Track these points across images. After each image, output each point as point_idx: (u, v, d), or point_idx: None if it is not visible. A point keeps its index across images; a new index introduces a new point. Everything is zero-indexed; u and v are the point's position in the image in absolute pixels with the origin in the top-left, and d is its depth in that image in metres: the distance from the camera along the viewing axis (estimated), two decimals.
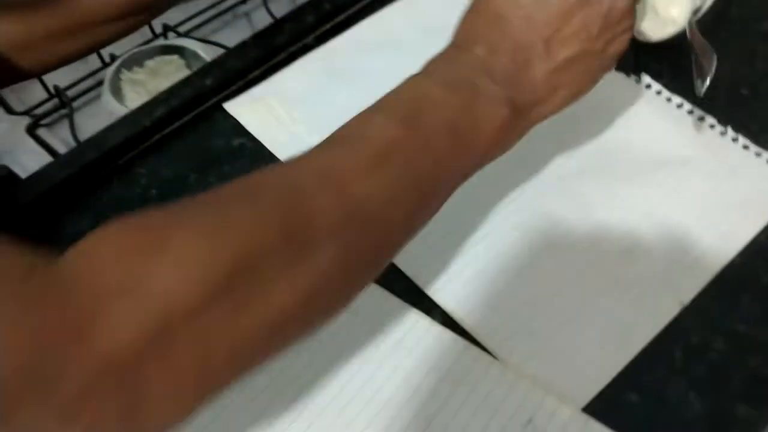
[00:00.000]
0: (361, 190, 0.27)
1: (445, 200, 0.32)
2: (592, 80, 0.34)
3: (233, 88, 0.51)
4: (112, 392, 0.20)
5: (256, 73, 0.52)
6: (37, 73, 0.52)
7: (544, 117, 0.34)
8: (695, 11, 0.46)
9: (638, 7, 0.49)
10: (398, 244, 0.30)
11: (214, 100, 0.50)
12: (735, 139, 0.44)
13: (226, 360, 0.23)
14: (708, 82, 0.42)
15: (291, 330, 0.25)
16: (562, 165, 0.44)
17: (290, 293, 0.23)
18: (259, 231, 0.24)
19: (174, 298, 0.21)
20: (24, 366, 0.19)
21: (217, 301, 0.22)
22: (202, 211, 0.24)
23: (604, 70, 0.34)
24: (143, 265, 0.21)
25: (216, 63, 0.52)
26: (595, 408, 0.34)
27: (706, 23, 0.46)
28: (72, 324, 0.20)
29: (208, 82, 0.50)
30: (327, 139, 0.29)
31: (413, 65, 0.50)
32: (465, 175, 0.32)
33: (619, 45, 0.34)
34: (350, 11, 0.55)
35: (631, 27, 0.34)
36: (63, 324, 0.20)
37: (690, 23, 0.44)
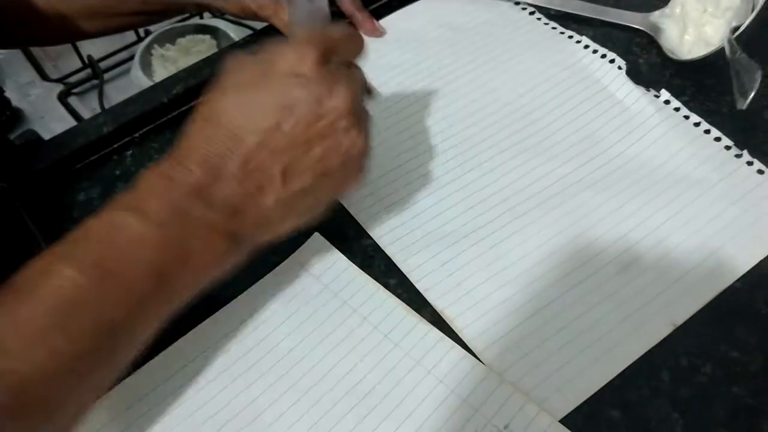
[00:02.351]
0: (25, 366, 0.25)
1: (149, 334, 0.30)
2: (325, 205, 0.34)
3: None
4: None
5: None
6: (94, 36, 0.58)
7: (272, 238, 0.32)
8: (734, 29, 0.45)
9: (670, 24, 0.49)
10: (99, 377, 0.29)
11: None
12: (750, 163, 0.43)
13: None
14: (751, 96, 0.42)
15: None
16: (568, 175, 0.43)
17: None
18: None
19: None
20: None
21: None
22: None
23: (338, 195, 0.34)
24: None
25: (238, 46, 0.53)
26: (575, 421, 0.34)
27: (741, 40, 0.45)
28: None
29: None
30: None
31: (433, 61, 0.51)
32: (175, 308, 0.30)
33: (354, 178, 0.33)
34: (374, 5, 0.56)
35: (365, 165, 0.33)
36: None
37: (730, 41, 0.44)
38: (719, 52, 0.46)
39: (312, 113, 0.30)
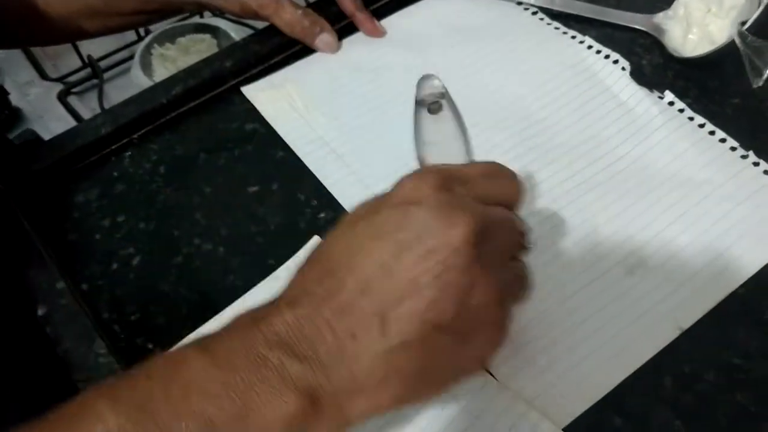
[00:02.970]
0: None
1: None
2: (438, 381, 0.27)
3: (252, 72, 0.51)
4: None
5: (277, 59, 0.52)
6: (94, 36, 0.57)
7: (362, 416, 0.26)
8: (742, 24, 0.45)
9: (673, 25, 0.48)
10: None
11: (232, 82, 0.51)
12: (756, 164, 0.42)
13: None
14: (766, 74, 0.42)
15: None
16: (572, 177, 0.43)
17: None
18: None
19: None
20: None
21: None
22: None
23: (461, 371, 0.27)
24: None
25: (238, 46, 0.53)
26: (578, 428, 0.33)
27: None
28: None
29: (228, 64, 0.51)
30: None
31: (434, 62, 0.50)
32: None
33: (489, 344, 0.27)
34: (375, 5, 0.55)
35: (503, 325, 0.27)
36: None
37: (740, 32, 0.44)
38: (724, 51, 0.45)
39: (419, 247, 0.25)
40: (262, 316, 0.25)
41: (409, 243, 0.25)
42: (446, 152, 0.33)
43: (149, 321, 0.39)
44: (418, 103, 0.32)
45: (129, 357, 0.37)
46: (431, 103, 0.32)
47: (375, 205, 0.27)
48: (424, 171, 0.27)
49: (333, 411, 0.25)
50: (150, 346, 0.38)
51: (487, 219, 0.26)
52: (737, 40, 0.44)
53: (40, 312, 0.37)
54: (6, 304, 0.39)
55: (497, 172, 0.29)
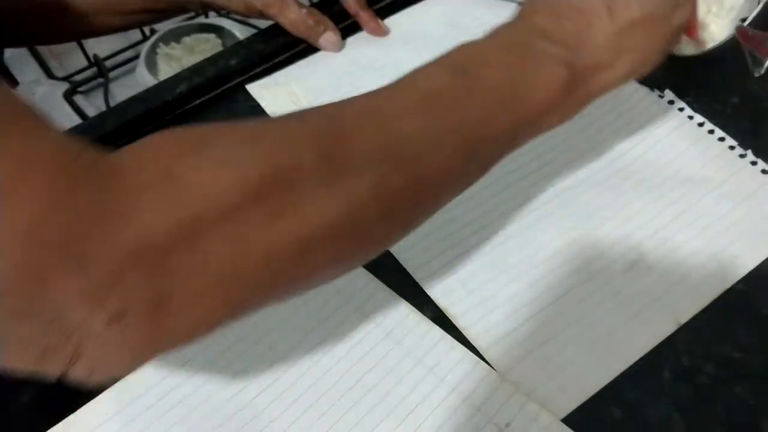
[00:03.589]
0: (403, 127, 0.27)
1: (493, 162, 0.32)
2: (658, 49, 0.34)
3: (257, 70, 0.52)
4: (141, 279, 0.20)
5: (281, 58, 0.53)
6: (100, 34, 0.58)
7: (607, 86, 0.33)
8: (743, 19, 0.45)
9: None
10: (439, 191, 0.30)
11: (238, 80, 0.51)
12: (754, 163, 0.43)
13: (255, 268, 0.22)
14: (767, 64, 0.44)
15: (321, 256, 0.25)
16: (574, 174, 0.43)
17: (323, 213, 0.24)
18: (297, 146, 0.24)
19: (208, 195, 0.21)
20: (58, 241, 0.19)
21: (251, 206, 0.22)
22: (245, 125, 0.25)
23: (670, 40, 0.34)
24: (182, 163, 0.22)
25: (243, 45, 0.53)
26: (576, 420, 0.34)
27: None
28: (108, 207, 0.20)
29: (233, 62, 0.51)
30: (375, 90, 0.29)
31: None
32: (515, 137, 0.31)
33: (683, 12, 0.34)
34: (379, 5, 0.56)
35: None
36: (100, 206, 0.20)
37: (739, 28, 0.44)
38: (724, 49, 0.46)
39: None
40: (517, 21, 0.33)
41: None
42: None
43: None
44: None
45: None
46: None
47: None
48: None
49: (584, 82, 0.32)
50: None
51: None
52: (739, 38, 0.44)
53: None
54: None
55: None
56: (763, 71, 0.43)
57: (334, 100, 0.49)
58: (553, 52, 0.30)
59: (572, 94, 0.31)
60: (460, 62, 0.30)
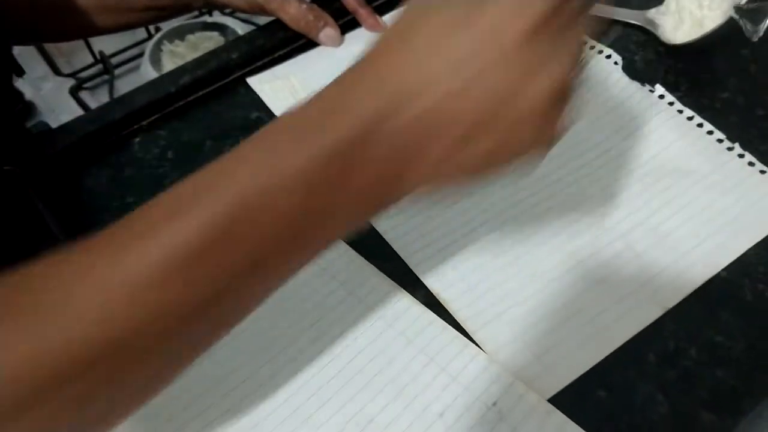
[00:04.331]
0: (140, 312, 0.23)
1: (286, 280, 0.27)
2: (501, 169, 0.28)
3: (258, 64, 0.53)
4: None
5: (282, 52, 0.54)
6: (106, 32, 0.59)
7: (430, 191, 0.28)
8: (736, 6, 0.47)
9: (666, 20, 0.50)
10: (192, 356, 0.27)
11: (239, 74, 0.53)
12: (741, 155, 0.44)
13: None
14: (764, 27, 0.45)
15: None
16: (563, 165, 0.44)
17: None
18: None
19: None
20: None
21: None
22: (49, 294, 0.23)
23: (519, 158, 0.28)
24: None
25: (244, 39, 0.54)
26: (563, 400, 0.35)
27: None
28: None
29: (235, 56, 0.52)
30: (122, 222, 0.25)
31: None
32: (328, 244, 0.27)
33: (547, 137, 0.27)
34: (379, 1, 0.57)
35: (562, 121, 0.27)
36: None
37: (735, 7, 0.46)
38: (714, 39, 0.47)
39: (513, 84, 0.25)
40: (351, 92, 0.25)
41: (499, 77, 0.25)
42: None
43: None
44: None
45: None
46: None
47: (470, 12, 0.25)
48: None
49: (408, 187, 0.27)
50: None
51: (581, 44, 0.26)
52: (733, 14, 0.46)
53: None
54: None
55: None
56: (760, 35, 0.44)
57: None
58: (377, 159, 0.25)
59: (392, 190, 0.27)
60: (227, 211, 0.24)
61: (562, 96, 0.26)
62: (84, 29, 0.59)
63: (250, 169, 0.25)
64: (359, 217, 0.27)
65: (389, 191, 0.27)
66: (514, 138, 0.26)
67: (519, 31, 0.24)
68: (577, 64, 0.26)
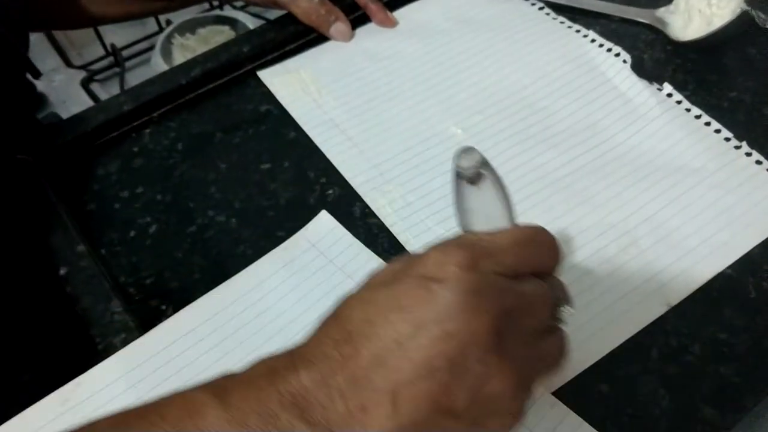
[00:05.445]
0: None
1: None
2: None
3: (268, 57, 0.54)
4: None
5: (292, 46, 0.55)
6: (116, 21, 0.60)
7: None
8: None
9: (675, 19, 0.50)
10: None
11: (249, 67, 0.53)
12: (749, 154, 0.44)
13: None
14: None
15: None
16: (571, 162, 0.45)
17: None
18: None
19: None
20: None
21: None
22: None
23: None
24: None
25: (255, 33, 0.55)
26: (566, 394, 0.35)
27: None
28: None
29: (246, 49, 0.53)
30: None
31: (442, 52, 0.52)
32: None
33: (498, 425, 0.26)
34: None
35: (518, 410, 0.26)
36: None
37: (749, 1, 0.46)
38: (723, 38, 0.47)
39: (437, 329, 0.24)
40: (280, 372, 0.25)
41: (427, 323, 0.24)
42: (488, 219, 0.31)
43: (163, 284, 0.41)
44: (459, 174, 0.31)
45: (143, 316, 0.39)
46: (471, 174, 0.31)
47: (399, 273, 0.26)
48: (452, 245, 0.26)
49: None
50: (163, 307, 0.40)
51: (514, 301, 0.26)
52: (744, 5, 0.46)
53: (61, 272, 0.40)
54: (31, 264, 0.41)
55: (532, 238, 0.28)
56: None
57: (341, 87, 0.51)
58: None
59: None
60: None
61: (502, 343, 0.25)
62: (95, 17, 0.59)
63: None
64: None
65: None
66: (452, 398, 0.24)
67: (445, 271, 0.25)
68: (506, 312, 0.25)
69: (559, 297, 0.29)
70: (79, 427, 0.26)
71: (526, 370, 0.26)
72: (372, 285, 0.27)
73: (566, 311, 0.29)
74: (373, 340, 0.24)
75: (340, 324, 0.26)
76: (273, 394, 0.24)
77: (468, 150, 0.31)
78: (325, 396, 0.24)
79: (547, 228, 0.40)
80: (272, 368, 0.26)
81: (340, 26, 0.54)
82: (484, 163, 0.31)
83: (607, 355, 0.36)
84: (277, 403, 0.24)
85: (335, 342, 0.25)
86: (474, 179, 0.30)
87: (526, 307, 0.26)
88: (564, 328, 0.29)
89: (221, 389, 0.25)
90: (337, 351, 0.25)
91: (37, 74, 0.53)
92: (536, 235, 0.28)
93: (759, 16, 0.45)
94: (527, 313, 0.26)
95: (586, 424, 0.34)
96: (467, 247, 0.26)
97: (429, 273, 0.25)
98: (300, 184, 0.45)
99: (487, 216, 0.31)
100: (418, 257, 0.26)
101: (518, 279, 0.27)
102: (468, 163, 0.31)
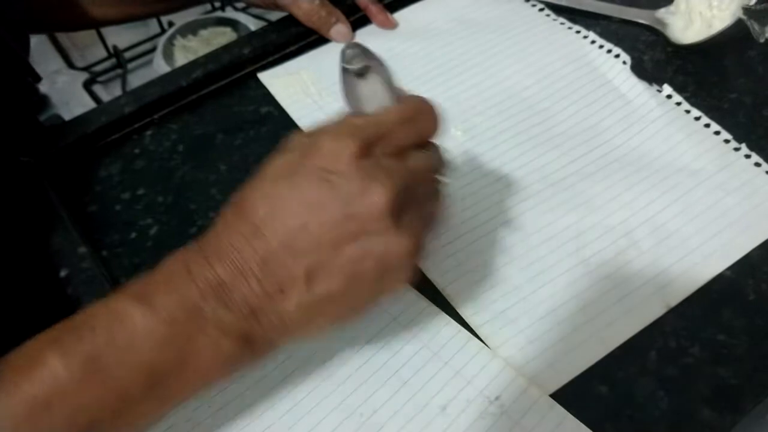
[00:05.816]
0: None
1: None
2: (357, 311, 0.30)
3: (269, 59, 0.54)
4: None
5: (293, 48, 0.55)
6: (118, 23, 0.60)
7: (289, 342, 0.30)
8: (744, 7, 0.47)
9: (676, 20, 0.50)
10: None
11: (250, 69, 0.53)
12: (748, 156, 0.44)
13: None
14: None
15: None
16: (571, 163, 0.45)
17: None
18: None
19: None
20: None
21: None
22: None
23: (376, 300, 0.30)
24: None
25: (255, 35, 0.55)
26: (564, 395, 0.35)
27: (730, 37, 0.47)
28: None
29: (246, 51, 0.53)
30: None
31: (443, 53, 0.53)
32: (169, 410, 0.29)
33: (395, 283, 0.29)
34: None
35: (409, 269, 0.29)
36: None
37: (744, 8, 0.46)
38: (723, 40, 0.47)
39: (340, 214, 0.27)
40: (195, 268, 0.27)
41: (330, 208, 0.27)
42: (376, 103, 0.32)
43: None
44: (345, 70, 0.32)
45: None
46: (358, 70, 0.32)
47: (296, 165, 0.28)
48: (343, 132, 0.28)
49: (265, 346, 0.29)
50: None
51: (405, 178, 0.28)
52: (741, 15, 0.46)
53: (62, 273, 0.40)
54: (33, 265, 0.41)
55: (415, 111, 0.30)
56: (765, 37, 0.44)
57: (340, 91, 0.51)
58: (225, 323, 0.27)
59: (243, 357, 0.28)
60: (95, 345, 0.26)
61: (396, 216, 0.27)
62: (96, 19, 0.59)
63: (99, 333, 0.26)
64: (217, 372, 0.28)
65: (245, 346, 0.28)
66: (358, 267, 0.28)
67: (342, 163, 0.27)
68: (399, 189, 0.27)
69: (439, 162, 0.32)
70: (16, 350, 0.27)
71: (419, 234, 0.29)
72: (272, 177, 0.28)
73: (444, 176, 0.32)
74: (281, 229, 0.27)
75: (245, 218, 0.28)
76: (193, 289, 0.27)
77: (353, 46, 0.32)
78: (243, 284, 0.27)
79: (546, 230, 0.41)
80: (186, 265, 0.28)
81: (340, 28, 0.54)
82: (370, 57, 0.32)
83: (606, 356, 0.36)
84: (199, 296, 0.27)
85: (243, 235, 0.27)
86: (361, 73, 0.32)
87: (415, 180, 0.29)
88: (443, 188, 0.32)
89: (142, 293, 0.27)
90: (247, 243, 0.27)
91: (38, 78, 0.53)
92: (418, 108, 0.30)
93: (754, 28, 0.45)
94: (416, 184, 0.29)
95: (583, 427, 0.34)
96: (357, 134, 0.28)
97: (327, 165, 0.27)
98: None
99: (374, 101, 0.32)
100: (312, 146, 0.28)
101: (405, 155, 0.29)
102: (355, 62, 0.31)
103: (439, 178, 0.32)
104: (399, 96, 0.32)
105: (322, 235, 0.27)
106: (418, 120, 0.30)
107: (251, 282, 0.27)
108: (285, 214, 0.27)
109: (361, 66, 0.31)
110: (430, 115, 0.31)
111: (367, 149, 0.28)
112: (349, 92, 0.32)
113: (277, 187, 0.28)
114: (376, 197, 0.27)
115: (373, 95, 0.31)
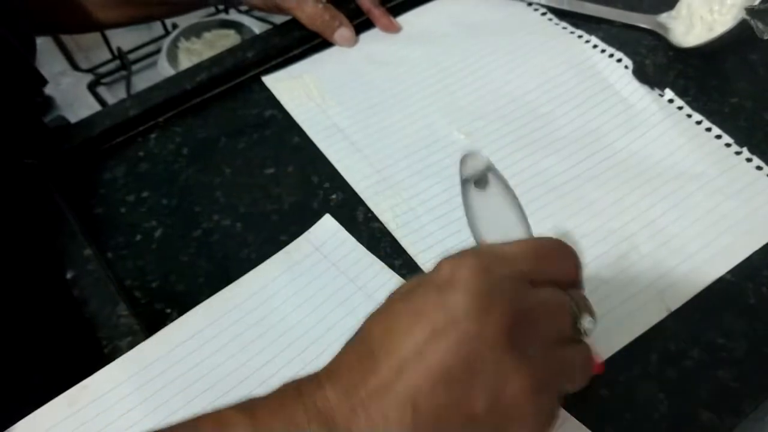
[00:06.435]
0: None
1: None
2: None
3: (273, 63, 0.54)
4: None
5: (297, 51, 0.55)
6: (121, 25, 0.61)
7: None
8: (749, 7, 0.47)
9: (677, 25, 0.51)
10: None
11: (254, 72, 0.54)
12: (749, 160, 0.44)
13: None
14: None
15: None
16: (573, 167, 0.45)
17: None
18: None
19: None
20: None
21: None
22: None
23: None
24: None
25: (259, 38, 0.55)
26: (565, 397, 0.35)
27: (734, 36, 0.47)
28: None
29: (250, 54, 0.53)
30: None
31: (445, 57, 0.53)
32: None
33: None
34: (392, 3, 0.58)
35: (550, 411, 0.26)
36: None
37: (747, 9, 0.46)
38: (725, 43, 0.48)
39: (453, 334, 0.24)
40: (305, 388, 0.26)
41: (443, 328, 0.24)
42: (500, 226, 0.31)
43: (169, 288, 0.41)
44: (465, 180, 0.31)
45: (148, 320, 0.39)
46: (477, 178, 0.31)
47: (414, 285, 0.27)
48: (464, 253, 0.26)
49: None
50: (168, 310, 0.40)
51: (530, 303, 0.26)
52: (744, 13, 0.46)
53: (68, 276, 0.40)
54: (38, 267, 0.42)
55: (549, 248, 0.28)
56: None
57: (344, 92, 0.51)
58: None
59: None
60: None
61: (520, 345, 0.25)
62: (99, 21, 0.60)
63: None
64: None
65: None
66: (472, 404, 0.24)
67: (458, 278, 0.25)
68: (522, 312, 0.25)
69: (580, 308, 0.29)
70: None
71: (545, 375, 0.26)
72: (390, 299, 0.27)
73: (588, 322, 0.28)
74: (392, 350, 0.25)
75: (361, 339, 0.26)
76: (299, 409, 0.25)
77: (472, 154, 0.31)
78: (348, 408, 0.25)
79: (547, 234, 0.41)
80: (298, 387, 0.26)
81: (344, 31, 0.55)
82: (489, 167, 0.31)
83: (607, 359, 0.36)
84: (303, 417, 0.25)
85: (358, 356, 0.26)
86: (480, 182, 0.31)
87: (543, 313, 0.26)
88: (587, 341, 0.29)
89: (250, 408, 0.26)
90: (359, 365, 0.25)
91: (44, 82, 0.54)
92: (553, 246, 0.28)
93: (758, 26, 0.45)
94: (545, 319, 0.26)
95: (585, 429, 0.34)
96: (480, 253, 0.26)
97: (442, 280, 0.25)
98: (304, 188, 0.46)
99: (498, 223, 0.31)
100: (431, 271, 0.27)
101: (535, 286, 0.27)
102: (473, 168, 0.31)
103: (580, 327, 0.29)
104: (528, 228, 0.30)
105: (433, 359, 0.24)
106: (554, 258, 0.28)
107: (357, 406, 0.25)
108: (396, 332, 0.25)
109: (480, 175, 0.30)
110: (569, 255, 0.28)
111: (487, 266, 0.26)
112: (468, 204, 0.31)
113: (393, 305, 0.27)
114: (493, 314, 0.24)
115: (494, 210, 0.30)
